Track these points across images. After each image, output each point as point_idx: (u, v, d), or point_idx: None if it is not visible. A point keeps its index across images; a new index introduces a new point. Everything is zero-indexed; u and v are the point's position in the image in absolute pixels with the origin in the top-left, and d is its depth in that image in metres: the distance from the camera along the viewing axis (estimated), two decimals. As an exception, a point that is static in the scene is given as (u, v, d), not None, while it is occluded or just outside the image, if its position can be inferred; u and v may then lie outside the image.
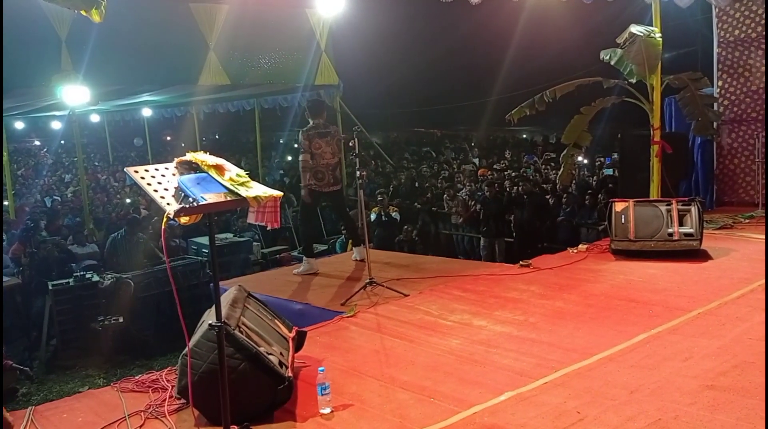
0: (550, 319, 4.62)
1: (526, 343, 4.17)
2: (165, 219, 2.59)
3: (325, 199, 6.75)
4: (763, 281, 4.96)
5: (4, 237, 11.04)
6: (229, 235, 10.44)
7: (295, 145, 24.95)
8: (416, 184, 14.55)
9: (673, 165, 8.07)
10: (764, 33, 8.50)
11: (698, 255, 6.07)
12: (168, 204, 2.61)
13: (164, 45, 10.50)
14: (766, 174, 8.67)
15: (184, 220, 2.69)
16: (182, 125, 23.55)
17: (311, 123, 6.43)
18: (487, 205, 10.67)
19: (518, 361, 3.85)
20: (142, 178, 2.73)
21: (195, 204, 2.60)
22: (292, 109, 15.55)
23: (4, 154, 14.67)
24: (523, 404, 3.28)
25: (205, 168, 2.84)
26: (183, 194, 2.64)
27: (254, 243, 10.48)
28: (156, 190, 2.67)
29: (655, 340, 4.04)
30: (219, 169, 2.85)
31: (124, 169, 2.89)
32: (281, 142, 27.01)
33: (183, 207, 2.57)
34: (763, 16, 8.52)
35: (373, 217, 10.52)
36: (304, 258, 6.72)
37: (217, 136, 31.08)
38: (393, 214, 11.27)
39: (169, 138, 31.65)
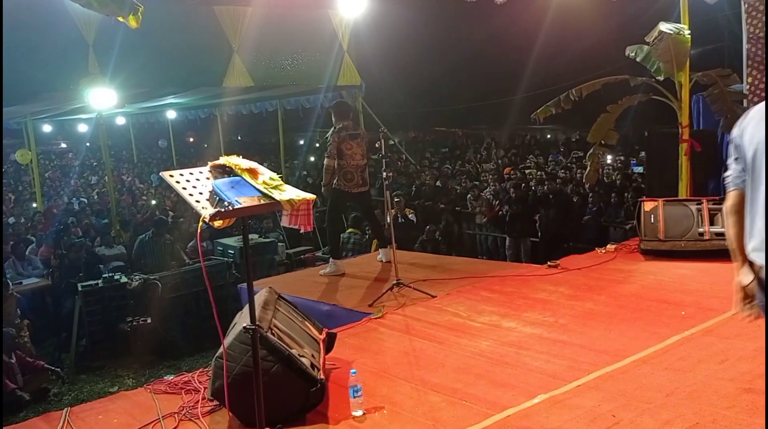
0: (580, 321, 4.58)
1: (557, 345, 4.14)
2: (201, 223, 2.61)
3: (351, 200, 6.77)
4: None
5: (33, 238, 11.23)
6: (255, 236, 10.49)
7: (317, 145, 25.13)
8: (437, 184, 14.50)
9: (702, 163, 7.95)
10: None
11: (730, 255, 5.95)
12: (204, 208, 2.63)
13: (189, 48, 10.59)
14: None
15: (218, 223, 2.71)
16: (205, 127, 23.77)
17: (340, 125, 6.42)
18: (511, 204, 10.62)
19: (550, 364, 3.82)
20: (178, 182, 2.75)
21: (230, 208, 2.61)
22: (315, 110, 15.62)
23: (33, 156, 14.96)
24: (557, 407, 3.26)
25: (239, 172, 2.86)
26: (218, 198, 2.66)
27: (279, 244, 10.53)
28: (191, 195, 2.69)
29: (688, 342, 3.99)
30: (252, 172, 2.87)
31: (160, 174, 2.92)
32: (302, 142, 27.13)
33: (219, 211, 2.58)
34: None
35: (388, 219, 10.47)
36: (331, 259, 6.73)
37: (239, 137, 31.26)
38: (410, 216, 11.24)
39: (192, 139, 32.00)
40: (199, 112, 19.80)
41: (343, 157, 6.38)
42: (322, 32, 12.06)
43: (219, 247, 10.01)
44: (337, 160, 6.43)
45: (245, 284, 6.57)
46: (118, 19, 3.33)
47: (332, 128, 6.54)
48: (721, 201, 6.17)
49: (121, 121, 22.50)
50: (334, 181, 6.52)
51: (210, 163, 2.91)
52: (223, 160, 2.91)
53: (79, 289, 8.34)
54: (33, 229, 12.26)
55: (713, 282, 5.28)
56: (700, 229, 6.07)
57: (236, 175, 2.86)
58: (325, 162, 6.52)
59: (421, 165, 18.18)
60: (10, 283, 8.52)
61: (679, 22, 7.49)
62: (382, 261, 6.89)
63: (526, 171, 14.75)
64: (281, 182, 2.91)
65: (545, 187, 11.34)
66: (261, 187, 2.82)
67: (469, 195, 12.60)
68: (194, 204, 2.66)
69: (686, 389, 3.33)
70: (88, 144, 26.59)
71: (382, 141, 5.69)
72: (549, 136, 26.36)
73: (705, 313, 4.47)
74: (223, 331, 3.31)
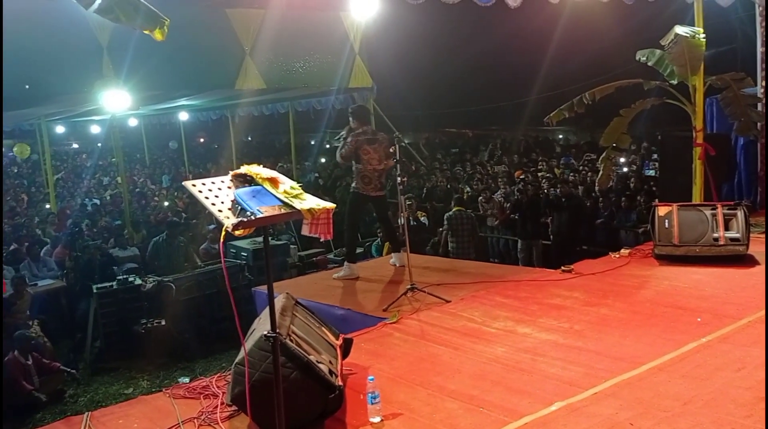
0: (595, 327, 4.57)
1: (573, 351, 4.14)
2: (223, 232, 2.64)
3: (370, 203, 6.82)
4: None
5: (48, 240, 11.32)
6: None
7: (327, 146, 25.13)
8: (449, 186, 14.52)
9: (716, 167, 7.92)
10: None
11: (745, 260, 5.95)
12: (227, 218, 2.65)
13: (202, 50, 10.65)
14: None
15: (238, 232, 2.73)
16: (217, 128, 23.89)
17: (359, 130, 6.46)
18: (521, 206, 10.63)
19: (566, 370, 3.83)
20: (200, 191, 2.78)
21: (252, 217, 2.64)
22: (326, 112, 15.67)
23: (47, 157, 15.09)
24: (574, 415, 3.26)
25: (260, 181, 2.88)
26: (240, 208, 2.68)
27: (291, 246, 10.57)
28: (214, 204, 2.72)
29: (705, 349, 3.98)
30: (273, 181, 2.89)
31: (183, 183, 2.95)
32: (312, 143, 27.23)
33: (241, 221, 2.61)
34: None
35: (401, 221, 10.55)
36: (346, 262, 6.76)
37: (249, 139, 31.38)
38: (422, 218, 11.28)
39: (202, 140, 32.18)
40: (210, 113, 19.91)
41: (361, 161, 6.45)
42: (334, 34, 12.09)
43: (231, 250, 10.06)
44: (354, 164, 6.51)
45: (259, 287, 6.66)
46: (144, 32, 3.40)
47: (347, 128, 6.58)
48: (736, 206, 6.16)
49: (133, 122, 22.66)
50: (353, 185, 6.63)
51: (231, 172, 2.94)
52: (244, 169, 2.94)
53: (94, 290, 8.43)
54: (46, 230, 12.34)
55: (728, 288, 5.27)
56: (715, 235, 6.04)
57: (257, 184, 2.89)
58: (338, 160, 6.77)
59: (431, 167, 18.18)
60: (27, 280, 8.63)
61: (693, 25, 7.47)
62: (395, 265, 6.90)
63: (539, 174, 14.73)
64: (301, 191, 2.93)
65: (557, 190, 11.33)
66: (282, 197, 2.84)
67: (480, 197, 12.60)
68: (217, 213, 2.68)
69: (704, 397, 3.33)
70: (99, 145, 26.80)
71: (397, 146, 5.72)
72: (560, 136, 26.29)
73: (721, 320, 4.46)
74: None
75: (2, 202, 13.97)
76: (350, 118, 6.60)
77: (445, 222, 10.22)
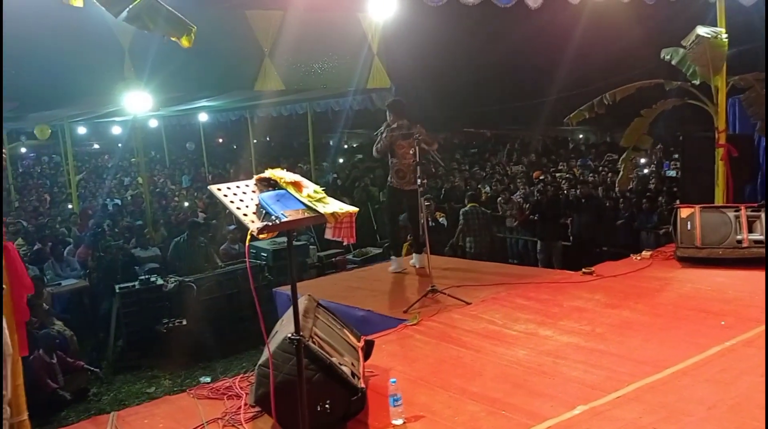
0: (617, 330, 4.55)
1: (595, 354, 4.13)
2: (249, 236, 2.67)
3: (404, 197, 6.82)
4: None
5: (71, 240, 11.47)
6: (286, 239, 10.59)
7: (345, 147, 25.13)
8: (467, 187, 14.50)
9: (738, 167, 7.83)
10: None
11: (768, 263, 5.88)
12: (252, 222, 2.69)
13: (222, 52, 10.69)
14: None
15: (263, 235, 2.76)
16: (236, 129, 24.00)
17: (395, 124, 6.52)
18: (540, 207, 10.60)
19: (588, 374, 3.82)
20: (225, 195, 2.82)
21: (277, 221, 2.67)
22: (344, 113, 15.70)
23: (69, 158, 15.29)
24: (597, 419, 3.26)
25: (284, 185, 2.91)
26: (265, 212, 2.72)
27: (311, 247, 10.61)
28: (239, 208, 2.76)
29: (729, 353, 3.96)
30: (297, 185, 2.92)
31: (208, 187, 2.98)
32: (330, 144, 27.31)
33: (267, 225, 2.64)
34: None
35: (420, 222, 10.59)
36: (393, 256, 7.00)
37: (268, 139, 31.51)
38: (440, 219, 11.28)
39: (221, 141, 32.41)
40: (229, 114, 20.03)
41: (396, 155, 6.55)
42: (352, 36, 12.09)
43: (252, 250, 10.12)
44: (390, 158, 6.63)
45: (280, 288, 6.71)
46: (171, 39, 3.46)
47: (384, 123, 6.65)
48: (760, 208, 6.09)
49: (153, 123, 22.84)
50: (389, 179, 6.77)
51: (255, 177, 2.97)
52: (268, 173, 2.97)
53: (117, 290, 8.52)
54: (71, 229, 12.49)
55: (752, 291, 5.20)
56: (738, 237, 5.98)
57: (281, 188, 2.92)
58: (374, 154, 6.86)
59: (449, 167, 18.15)
60: (45, 280, 8.74)
61: (715, 25, 7.39)
62: (415, 266, 6.91)
63: (557, 175, 14.67)
64: (324, 195, 2.96)
65: (577, 191, 11.28)
66: (305, 200, 2.87)
67: (499, 198, 12.57)
68: (242, 217, 2.72)
69: (728, 402, 3.31)
70: (119, 145, 27.09)
71: (416, 148, 5.74)
72: (581, 136, 26.12)
73: (745, 324, 4.42)
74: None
75: (2, 196, 14.20)
76: (387, 113, 6.67)
77: (461, 217, 10.27)
